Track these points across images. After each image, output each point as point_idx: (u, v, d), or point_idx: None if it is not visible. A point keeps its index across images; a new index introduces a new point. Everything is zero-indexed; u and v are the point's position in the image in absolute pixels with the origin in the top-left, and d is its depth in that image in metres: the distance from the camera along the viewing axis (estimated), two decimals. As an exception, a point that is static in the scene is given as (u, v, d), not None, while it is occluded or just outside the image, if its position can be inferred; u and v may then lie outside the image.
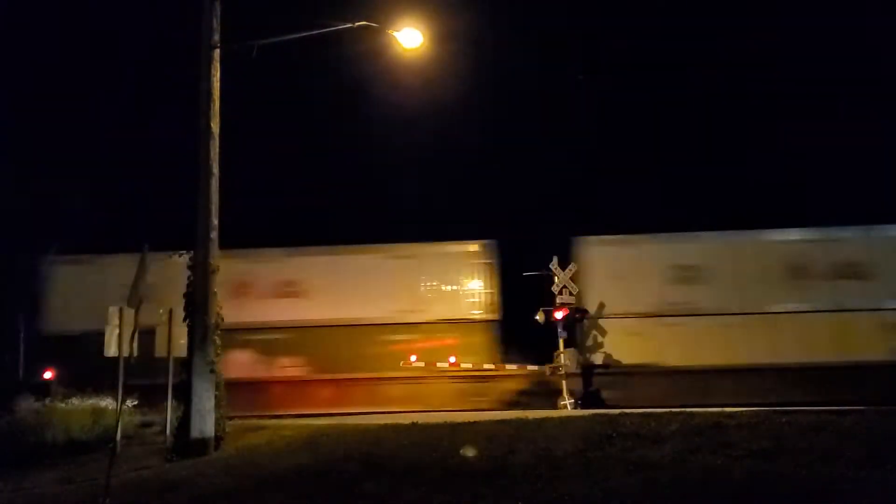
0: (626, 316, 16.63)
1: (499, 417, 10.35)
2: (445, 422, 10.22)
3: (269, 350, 16.77)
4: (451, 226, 19.65)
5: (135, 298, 10.44)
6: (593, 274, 16.77)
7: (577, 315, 16.42)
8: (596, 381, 16.31)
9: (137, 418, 13.10)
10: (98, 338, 10.88)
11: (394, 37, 11.68)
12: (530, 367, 16.48)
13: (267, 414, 14.09)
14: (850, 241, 16.92)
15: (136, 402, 12.86)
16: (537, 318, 16.18)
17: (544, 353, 16.55)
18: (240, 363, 15.29)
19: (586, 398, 15.91)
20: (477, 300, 16.95)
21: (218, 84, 10.93)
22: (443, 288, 17.15)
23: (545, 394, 16.04)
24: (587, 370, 16.34)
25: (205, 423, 10.18)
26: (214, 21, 10.99)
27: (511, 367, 16.50)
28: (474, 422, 10.02)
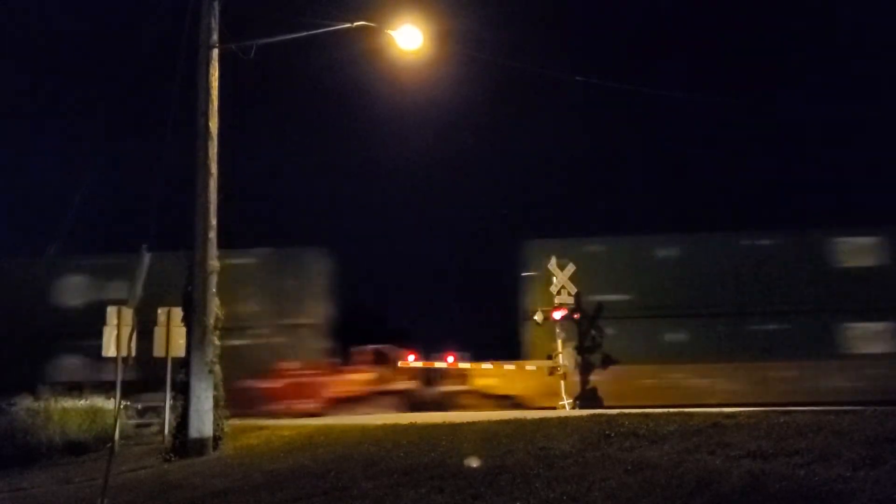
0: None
1: (497, 417, 10.34)
2: (444, 422, 10.22)
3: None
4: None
5: (133, 299, 10.43)
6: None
7: (575, 315, 16.43)
8: (594, 381, 16.38)
9: (135, 418, 13.11)
10: None
11: (392, 37, 11.68)
12: (528, 367, 16.49)
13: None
14: None
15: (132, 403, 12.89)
16: (536, 318, 16.19)
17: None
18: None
19: (585, 398, 15.94)
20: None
21: (216, 84, 10.93)
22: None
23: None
24: (585, 370, 16.37)
25: (203, 423, 10.18)
26: (213, 21, 10.99)
27: (509, 367, 16.51)
28: (473, 422, 10.02)
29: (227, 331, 16.29)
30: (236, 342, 16.40)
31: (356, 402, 16.08)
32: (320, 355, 17.06)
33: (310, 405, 15.70)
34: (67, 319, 17.11)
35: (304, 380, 16.33)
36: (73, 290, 17.67)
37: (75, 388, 13.53)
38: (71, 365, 16.88)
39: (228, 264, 17.27)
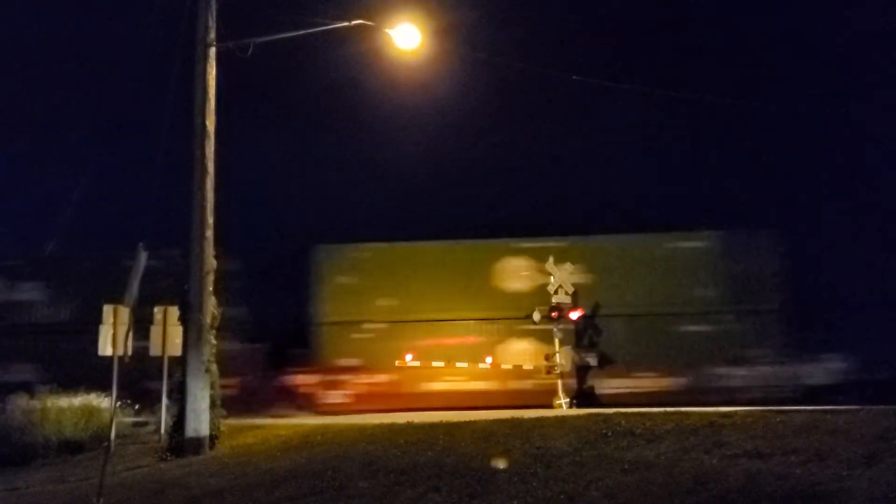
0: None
1: (495, 417, 10.34)
2: (441, 421, 10.22)
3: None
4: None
5: (130, 297, 10.39)
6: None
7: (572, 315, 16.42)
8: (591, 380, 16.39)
9: (131, 417, 13.08)
10: None
11: (390, 36, 11.66)
12: (525, 367, 16.48)
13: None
14: None
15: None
16: (533, 317, 16.18)
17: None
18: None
19: (582, 397, 15.94)
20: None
21: (214, 82, 10.91)
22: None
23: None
24: (582, 369, 16.39)
25: (199, 422, 10.16)
26: (210, 19, 10.97)
27: (506, 366, 16.50)
28: (470, 421, 10.02)
29: (679, 316, 16.29)
30: (693, 328, 16.36)
31: (836, 393, 15.09)
32: (781, 343, 16.26)
33: (782, 394, 14.93)
34: (514, 303, 16.77)
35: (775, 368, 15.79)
36: (513, 273, 17.18)
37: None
38: (515, 349, 16.65)
39: (676, 247, 17.03)
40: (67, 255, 17.78)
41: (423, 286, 17.08)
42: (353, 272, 17.24)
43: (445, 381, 16.26)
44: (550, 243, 17.15)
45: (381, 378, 16.27)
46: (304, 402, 15.99)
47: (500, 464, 7.08)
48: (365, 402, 15.67)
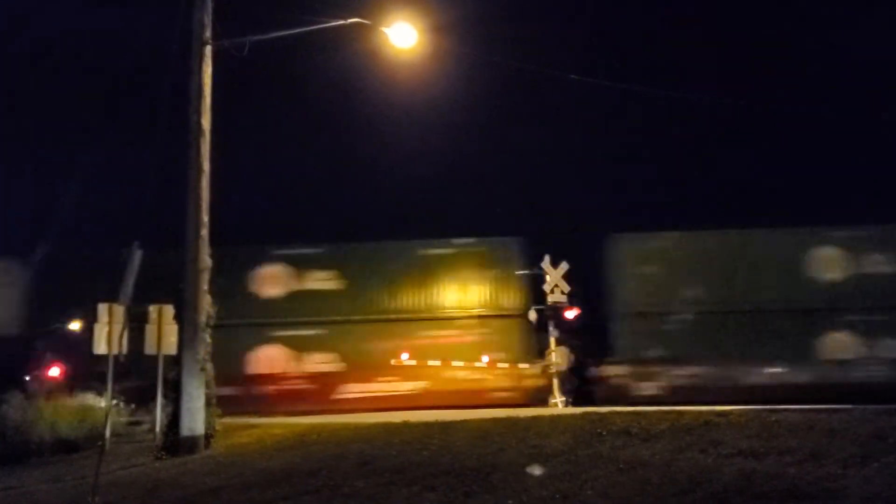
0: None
1: (490, 416, 10.35)
2: (437, 420, 10.22)
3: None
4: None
5: (125, 296, 10.38)
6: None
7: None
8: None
9: (126, 416, 13.06)
10: None
11: (387, 35, 11.63)
12: (521, 366, 16.50)
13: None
14: None
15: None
16: (530, 316, 16.21)
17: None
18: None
19: (577, 396, 15.98)
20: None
21: (209, 80, 10.88)
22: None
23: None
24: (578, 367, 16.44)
25: (195, 421, 10.14)
26: (206, 17, 10.93)
27: (503, 366, 16.52)
28: (465, 420, 10.02)
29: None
30: None
31: None
32: None
33: None
34: (829, 294, 16.21)
35: None
36: (826, 263, 16.48)
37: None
38: (837, 342, 16.03)
39: None
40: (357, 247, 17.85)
41: (731, 275, 16.51)
42: (656, 262, 16.75)
43: (765, 374, 15.74)
44: (861, 233, 16.62)
45: (695, 370, 15.82)
46: (613, 394, 15.44)
47: (496, 463, 7.08)
48: (681, 394, 14.91)
